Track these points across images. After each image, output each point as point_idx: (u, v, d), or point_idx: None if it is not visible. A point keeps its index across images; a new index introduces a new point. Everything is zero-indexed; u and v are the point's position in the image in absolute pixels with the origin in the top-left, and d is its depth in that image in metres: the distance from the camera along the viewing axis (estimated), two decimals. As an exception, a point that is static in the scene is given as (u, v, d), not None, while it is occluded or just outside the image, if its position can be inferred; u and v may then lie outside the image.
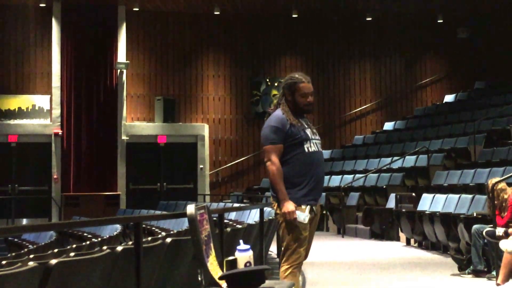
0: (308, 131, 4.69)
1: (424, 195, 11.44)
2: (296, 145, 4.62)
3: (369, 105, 20.27)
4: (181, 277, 4.22)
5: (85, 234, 11.86)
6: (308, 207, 4.60)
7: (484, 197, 8.77)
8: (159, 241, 4.03)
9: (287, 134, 4.61)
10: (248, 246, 3.58)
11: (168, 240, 3.99)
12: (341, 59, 20.10)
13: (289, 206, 4.51)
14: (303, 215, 4.54)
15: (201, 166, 18.78)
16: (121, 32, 18.48)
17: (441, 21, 20.05)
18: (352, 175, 16.09)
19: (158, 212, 14.25)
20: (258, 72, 19.60)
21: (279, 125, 4.62)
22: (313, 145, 4.66)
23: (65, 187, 17.82)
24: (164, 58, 19.14)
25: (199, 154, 18.81)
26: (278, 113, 4.69)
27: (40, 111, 18.23)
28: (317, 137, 4.76)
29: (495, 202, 7.71)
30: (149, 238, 5.35)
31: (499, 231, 7.40)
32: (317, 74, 19.70)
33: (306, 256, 4.73)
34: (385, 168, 15.61)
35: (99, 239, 9.41)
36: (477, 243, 7.94)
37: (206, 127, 18.97)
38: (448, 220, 9.63)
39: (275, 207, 4.67)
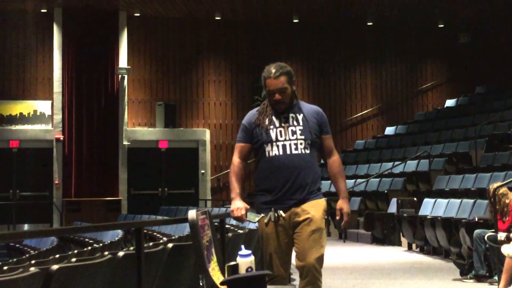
0: (277, 131, 4.17)
1: (426, 200, 11.43)
2: (258, 149, 4.23)
3: (370, 110, 20.28)
4: (183, 282, 4.21)
5: (86, 239, 11.85)
6: (271, 213, 4.13)
7: (486, 201, 8.75)
8: (161, 247, 4.03)
9: (253, 134, 4.24)
10: (249, 251, 3.57)
11: (170, 245, 3.99)
12: (342, 64, 20.12)
13: (236, 203, 4.14)
14: (253, 215, 4.14)
15: (203, 171, 18.79)
16: (122, 37, 18.50)
17: (442, 26, 20.07)
18: (353, 180, 16.08)
19: (159, 218, 14.24)
20: (259, 77, 19.56)
21: (245, 123, 4.30)
22: (278, 149, 4.14)
23: (66, 192, 17.82)
24: (165, 63, 19.17)
25: (200, 159, 18.82)
26: (255, 109, 4.38)
27: (41, 116, 18.25)
28: (298, 136, 4.16)
29: (497, 207, 7.71)
30: (151, 244, 5.34)
31: (501, 235, 7.40)
32: (318, 79, 19.72)
33: (304, 272, 4.10)
34: (386, 173, 15.60)
35: (101, 244, 9.39)
36: (479, 248, 7.93)
37: (207, 132, 18.97)
38: (449, 225, 9.62)
39: None
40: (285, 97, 4.22)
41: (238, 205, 4.13)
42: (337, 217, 4.24)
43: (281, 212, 4.12)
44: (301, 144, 4.17)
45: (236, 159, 4.27)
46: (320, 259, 4.12)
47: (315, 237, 4.10)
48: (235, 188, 4.20)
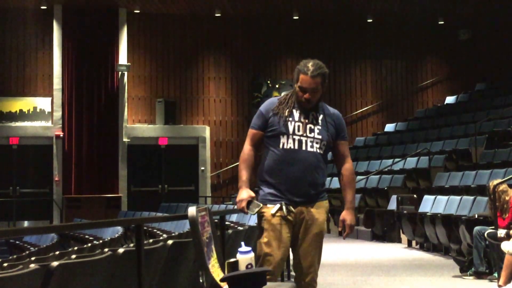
0: (295, 125, 4.07)
1: (426, 197, 11.43)
2: (272, 138, 4.09)
3: (370, 106, 20.27)
4: (183, 279, 4.21)
5: (86, 236, 11.87)
6: (278, 205, 4.02)
7: (486, 198, 8.76)
8: (161, 243, 4.03)
9: (268, 123, 4.11)
10: (249, 248, 3.58)
11: (170, 242, 3.99)
12: (342, 61, 20.11)
13: (241, 193, 4.01)
14: (255, 206, 4.00)
15: (202, 168, 18.79)
16: (122, 34, 18.49)
17: (442, 22, 20.06)
18: (353, 177, 16.05)
19: (159, 214, 14.24)
20: (259, 74, 19.60)
21: (263, 110, 4.16)
22: (294, 142, 4.05)
23: (66, 189, 17.83)
24: (165, 60, 19.16)
25: (200, 156, 18.82)
26: (274, 98, 4.25)
27: (41, 113, 18.25)
28: (316, 135, 4.08)
29: (497, 203, 7.71)
30: (151, 240, 5.35)
31: (501, 232, 7.40)
32: (318, 76, 19.70)
33: (303, 274, 4.13)
34: (386, 169, 15.60)
35: (101, 241, 9.40)
36: (478, 245, 7.94)
37: (207, 129, 18.97)
38: (449, 221, 9.62)
39: None
40: (315, 98, 4.10)
41: (241, 196, 4.00)
42: (340, 229, 4.20)
43: (290, 207, 4.03)
44: (317, 143, 4.08)
45: (247, 146, 4.14)
46: (320, 261, 4.19)
47: (317, 240, 4.11)
48: (243, 176, 4.07)
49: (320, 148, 4.09)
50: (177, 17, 19.14)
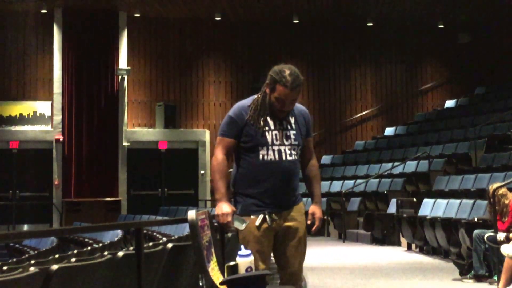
0: (273, 134, 3.95)
1: (425, 200, 11.44)
2: (249, 149, 3.94)
3: (370, 110, 20.28)
4: (182, 282, 4.22)
5: (86, 239, 11.85)
6: (261, 216, 3.92)
7: (485, 202, 8.76)
8: (160, 247, 4.03)
9: (242, 132, 3.95)
10: (249, 251, 3.58)
11: (169, 245, 3.99)
12: (342, 65, 20.12)
13: (223, 207, 3.83)
14: (240, 220, 3.86)
15: (202, 171, 18.79)
16: (122, 38, 18.51)
17: (442, 26, 20.07)
18: (353, 181, 16.08)
19: (159, 218, 14.25)
20: (259, 78, 19.57)
21: (235, 116, 3.98)
22: (274, 153, 3.93)
23: (66, 193, 17.83)
24: (165, 64, 19.18)
25: (200, 160, 18.82)
26: (245, 101, 4.06)
27: (41, 117, 18.26)
28: (292, 141, 3.98)
29: (496, 207, 7.71)
30: (150, 244, 5.35)
31: (500, 236, 7.41)
32: (318, 80, 19.72)
33: (293, 276, 4.07)
34: (386, 173, 15.61)
35: (100, 244, 9.40)
36: (478, 248, 7.94)
37: (207, 132, 18.98)
38: (449, 225, 9.62)
39: None
40: (292, 107, 3.99)
41: (224, 210, 3.84)
42: (309, 221, 4.15)
43: (274, 215, 3.97)
44: (294, 150, 4.00)
45: (220, 156, 3.96)
46: (303, 263, 4.17)
47: (301, 243, 4.08)
48: (220, 188, 3.89)
49: (296, 154, 4.03)
50: (177, 21, 19.17)
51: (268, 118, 3.97)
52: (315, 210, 4.15)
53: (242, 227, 3.87)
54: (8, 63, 18.40)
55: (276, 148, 3.95)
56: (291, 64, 4.21)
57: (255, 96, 4.08)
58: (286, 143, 3.97)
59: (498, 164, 12.91)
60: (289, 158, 3.97)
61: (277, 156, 3.94)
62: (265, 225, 3.94)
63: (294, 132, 4.02)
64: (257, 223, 3.93)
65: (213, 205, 17.67)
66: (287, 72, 3.95)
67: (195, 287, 4.04)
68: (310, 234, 4.22)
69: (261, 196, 3.95)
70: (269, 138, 3.94)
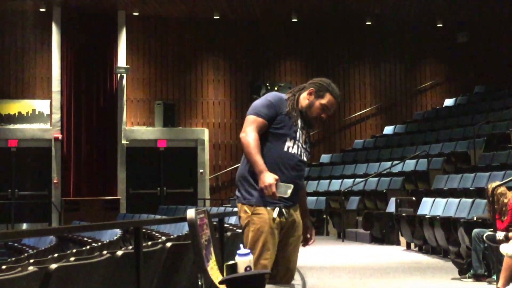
0: (299, 133, 4.10)
1: (424, 199, 11.44)
2: (277, 136, 4.02)
3: (369, 109, 20.29)
4: (181, 281, 4.21)
5: (85, 238, 11.86)
6: (277, 209, 3.97)
7: (484, 201, 8.76)
8: (159, 246, 4.03)
9: (277, 118, 4.03)
10: (248, 251, 3.58)
11: (168, 244, 3.99)
12: (341, 64, 20.12)
13: (268, 178, 3.81)
14: (284, 187, 3.86)
15: (201, 170, 18.79)
16: (121, 36, 18.50)
17: (441, 25, 20.07)
18: (352, 179, 16.08)
19: (158, 217, 14.24)
20: (258, 77, 19.62)
21: (275, 102, 4.04)
22: (298, 149, 4.07)
23: (65, 191, 17.83)
24: (164, 63, 19.17)
25: (199, 159, 18.82)
26: (281, 94, 4.16)
27: (40, 115, 18.25)
28: (307, 148, 4.17)
29: (495, 206, 7.70)
30: (149, 243, 5.34)
31: (499, 235, 7.40)
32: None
33: (288, 277, 4.12)
34: (385, 172, 15.60)
35: (99, 243, 9.40)
36: (477, 247, 7.94)
37: (206, 131, 18.98)
38: (448, 224, 9.62)
39: (239, 210, 4.06)
40: (325, 118, 4.24)
41: (269, 180, 3.81)
42: (309, 235, 4.35)
43: (286, 211, 4.05)
44: (305, 154, 4.15)
45: (254, 133, 3.96)
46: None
47: (299, 241, 4.23)
48: (259, 161, 3.89)
49: (306, 160, 4.22)
50: (176, 20, 19.16)
51: (299, 119, 4.12)
52: (309, 223, 4.37)
53: (287, 193, 3.88)
54: (6, 61, 18.39)
55: (300, 146, 4.09)
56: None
57: (284, 95, 4.17)
58: (304, 145, 4.14)
59: (497, 162, 12.91)
60: (304, 158, 4.15)
61: (299, 153, 4.08)
62: (279, 219, 4.00)
63: (308, 140, 4.22)
64: (275, 215, 3.98)
65: (212, 204, 17.69)
66: (334, 85, 4.20)
67: (194, 286, 4.04)
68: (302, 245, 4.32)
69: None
70: (298, 134, 4.09)
